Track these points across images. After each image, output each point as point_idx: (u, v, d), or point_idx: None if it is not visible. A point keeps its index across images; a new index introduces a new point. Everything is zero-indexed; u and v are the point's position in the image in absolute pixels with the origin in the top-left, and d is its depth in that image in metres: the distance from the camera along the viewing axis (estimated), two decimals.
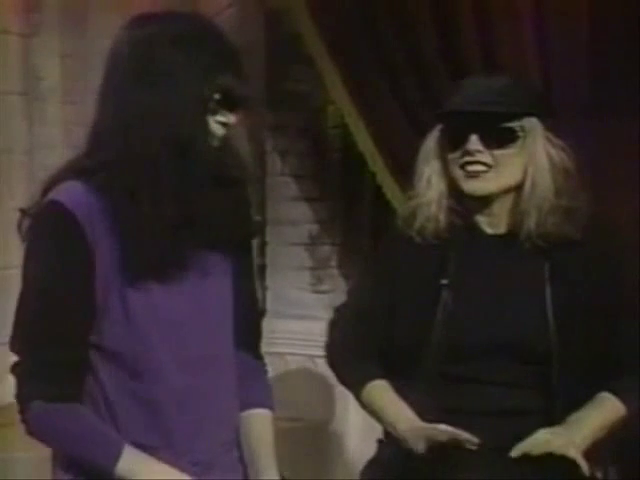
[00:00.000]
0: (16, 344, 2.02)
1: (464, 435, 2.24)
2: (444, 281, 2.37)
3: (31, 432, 2.01)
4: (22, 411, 1.99)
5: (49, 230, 2.00)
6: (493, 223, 2.40)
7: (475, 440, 2.23)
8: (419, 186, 2.41)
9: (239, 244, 2.14)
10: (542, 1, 3.06)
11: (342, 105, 3.45)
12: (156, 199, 1.96)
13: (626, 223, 2.83)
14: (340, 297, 3.88)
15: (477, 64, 3.12)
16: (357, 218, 3.92)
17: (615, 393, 2.33)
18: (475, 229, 2.40)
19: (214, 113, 2.02)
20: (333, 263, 3.92)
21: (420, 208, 2.40)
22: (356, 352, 2.47)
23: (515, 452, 2.25)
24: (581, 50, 3.03)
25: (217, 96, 2.00)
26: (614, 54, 3.00)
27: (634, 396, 2.34)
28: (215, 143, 2.03)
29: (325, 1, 3.40)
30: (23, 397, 1.99)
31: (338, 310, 2.59)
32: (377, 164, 3.40)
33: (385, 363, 2.43)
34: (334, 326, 2.56)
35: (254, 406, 2.16)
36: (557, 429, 2.27)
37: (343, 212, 3.91)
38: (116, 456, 1.95)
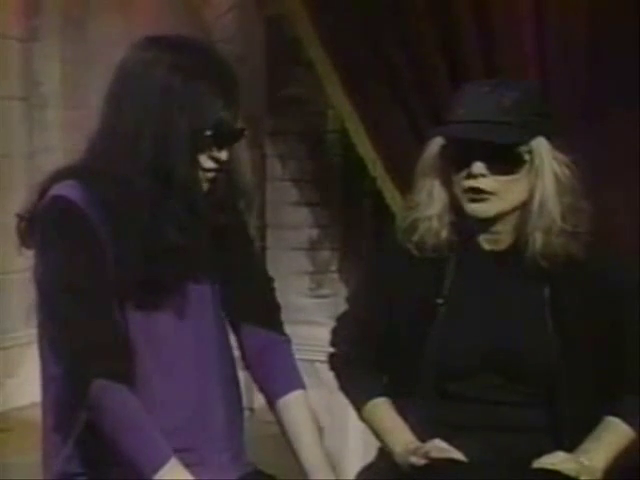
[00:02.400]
0: (58, 337, 2.03)
1: (456, 454, 2.24)
2: (439, 300, 2.33)
3: (96, 417, 2.00)
4: (85, 395, 1.98)
5: (58, 224, 2.02)
6: (494, 240, 2.34)
7: (464, 459, 2.23)
8: (420, 199, 2.35)
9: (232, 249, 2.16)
10: (542, 2, 3.06)
11: (342, 109, 3.45)
12: (133, 224, 1.99)
13: (626, 224, 2.83)
14: (340, 302, 3.87)
15: (477, 66, 3.12)
16: (357, 223, 3.92)
17: (623, 417, 2.30)
18: (473, 245, 2.35)
19: (206, 149, 2.03)
20: (333, 268, 3.92)
21: (421, 222, 2.34)
22: (357, 366, 2.46)
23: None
24: (580, 51, 3.03)
25: (209, 132, 2.02)
26: (613, 55, 3.00)
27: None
28: (207, 177, 2.05)
29: (325, 5, 3.40)
30: (82, 382, 1.98)
31: (339, 320, 2.58)
32: (377, 169, 3.40)
33: (387, 374, 2.43)
34: (336, 337, 2.55)
35: (283, 393, 2.21)
36: (573, 455, 2.25)
37: (343, 217, 3.91)
38: (158, 465, 1.96)
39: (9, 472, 3.16)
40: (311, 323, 3.78)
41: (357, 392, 2.46)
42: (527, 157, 2.27)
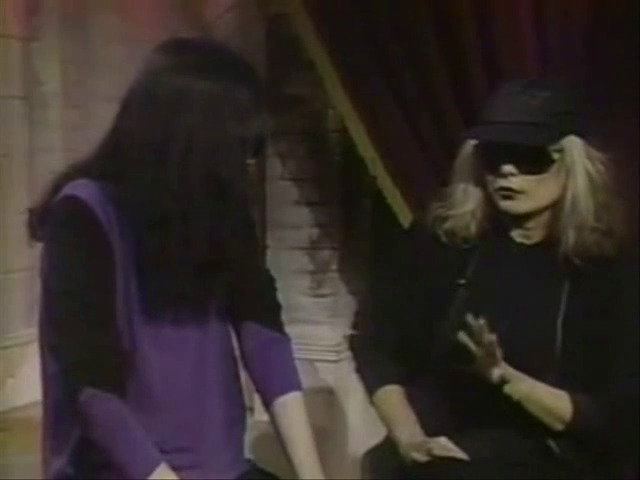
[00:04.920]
0: (54, 339, 2.02)
1: (459, 453, 2.25)
2: (462, 280, 2.37)
3: (84, 425, 2.00)
4: (75, 402, 1.97)
5: (68, 225, 2.00)
6: (526, 235, 2.38)
7: (467, 458, 2.24)
8: (455, 196, 2.39)
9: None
10: (542, 1, 3.06)
11: (342, 109, 3.45)
12: (186, 241, 1.97)
13: (626, 224, 2.82)
14: (340, 301, 3.88)
15: (477, 65, 3.12)
16: (357, 222, 3.92)
17: (574, 401, 2.29)
18: (504, 236, 2.39)
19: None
20: (333, 267, 3.92)
21: (454, 217, 2.39)
22: (375, 350, 2.48)
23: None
24: (581, 50, 3.04)
25: (252, 141, 2.00)
26: (614, 54, 3.00)
27: (585, 413, 2.29)
28: None
29: (325, 5, 3.40)
30: (74, 387, 1.98)
31: (362, 303, 2.62)
32: (377, 168, 3.40)
33: (404, 358, 2.44)
34: (358, 318, 2.59)
35: (279, 394, 2.20)
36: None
37: (343, 216, 3.91)
38: (148, 471, 1.96)
39: (9, 472, 3.16)
40: (311, 322, 3.78)
41: (371, 376, 2.49)
42: (556, 156, 2.30)
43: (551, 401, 2.28)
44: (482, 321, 2.19)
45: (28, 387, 3.32)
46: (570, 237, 2.30)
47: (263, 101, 2.02)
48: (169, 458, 2.00)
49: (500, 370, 2.24)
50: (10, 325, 3.85)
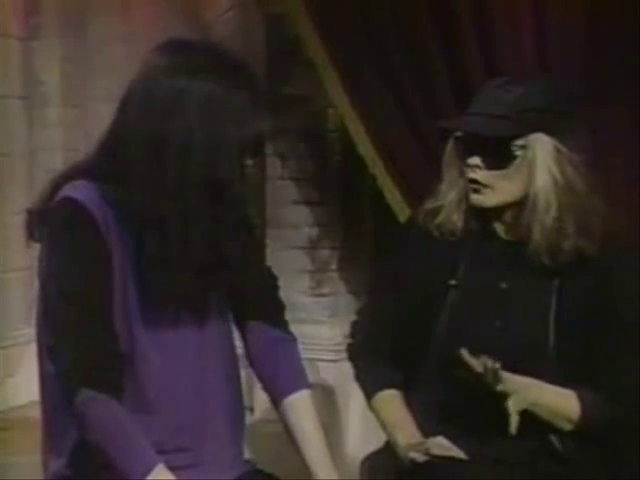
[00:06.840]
0: (52, 341, 2.02)
1: (457, 452, 2.26)
2: (453, 282, 2.38)
3: (82, 426, 2.00)
4: (72, 403, 1.98)
5: (66, 227, 2.00)
6: (508, 230, 2.39)
7: (465, 457, 2.25)
8: (441, 188, 2.43)
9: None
10: (542, 1, 3.06)
11: (342, 108, 3.45)
12: (185, 242, 1.97)
13: (625, 223, 2.83)
14: (340, 300, 3.88)
15: (477, 66, 3.12)
16: (357, 222, 3.92)
17: (582, 400, 2.30)
18: (492, 234, 2.40)
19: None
20: (333, 267, 3.92)
21: (442, 209, 2.41)
22: (373, 356, 2.49)
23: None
24: (580, 50, 3.04)
25: (252, 144, 2.01)
26: (613, 55, 3.00)
27: (593, 411, 2.30)
28: None
29: (325, 4, 3.40)
30: (71, 388, 1.98)
31: (359, 312, 2.64)
32: (377, 167, 3.40)
33: (400, 362, 2.44)
34: (355, 327, 2.60)
35: (289, 392, 2.20)
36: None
37: (343, 216, 3.91)
38: (145, 471, 1.96)
39: (9, 472, 3.16)
40: (311, 322, 3.78)
41: (369, 382, 2.50)
42: (519, 152, 2.30)
43: (559, 404, 2.29)
44: (483, 358, 2.20)
45: (28, 387, 3.32)
46: (534, 234, 2.30)
47: (261, 102, 2.02)
48: (169, 458, 2.00)
49: (502, 386, 2.23)
50: (9, 324, 3.86)
